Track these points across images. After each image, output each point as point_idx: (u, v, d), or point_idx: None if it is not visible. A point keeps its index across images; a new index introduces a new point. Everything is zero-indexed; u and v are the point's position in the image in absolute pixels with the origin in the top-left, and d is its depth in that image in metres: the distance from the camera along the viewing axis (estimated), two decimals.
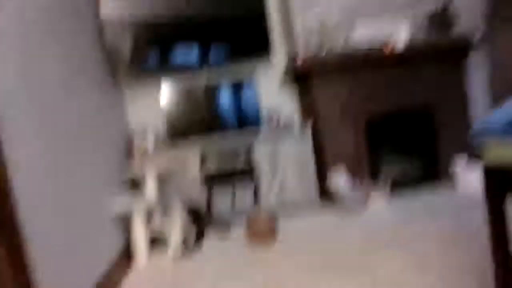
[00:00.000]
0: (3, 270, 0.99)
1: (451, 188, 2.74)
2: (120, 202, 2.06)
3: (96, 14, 2.48)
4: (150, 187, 2.26)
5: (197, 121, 2.78)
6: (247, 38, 2.85)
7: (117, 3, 2.55)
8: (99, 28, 2.50)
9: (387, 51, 2.68)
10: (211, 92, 2.81)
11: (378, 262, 1.67)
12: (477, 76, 3.11)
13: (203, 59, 2.81)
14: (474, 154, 2.68)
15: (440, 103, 2.85)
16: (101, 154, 2.01)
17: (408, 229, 2.04)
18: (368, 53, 2.68)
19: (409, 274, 1.52)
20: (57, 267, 1.28)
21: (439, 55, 2.78)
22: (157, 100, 2.87)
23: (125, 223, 2.17)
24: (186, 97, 2.76)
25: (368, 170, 2.81)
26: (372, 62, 2.70)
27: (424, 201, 2.54)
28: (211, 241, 2.37)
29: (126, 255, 2.08)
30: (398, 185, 2.82)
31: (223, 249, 2.18)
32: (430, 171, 2.92)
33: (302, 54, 2.67)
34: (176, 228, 2.19)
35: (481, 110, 3.07)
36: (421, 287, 1.40)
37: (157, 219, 2.29)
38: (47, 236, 1.24)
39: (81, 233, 1.54)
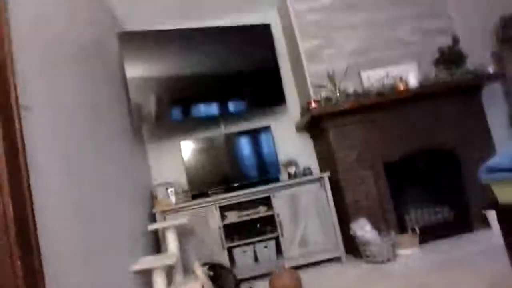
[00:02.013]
0: None
1: (484, 233, 2.56)
2: (141, 260, 2.08)
3: (123, 75, 2.74)
4: (171, 244, 2.27)
5: (217, 172, 2.85)
6: (262, 89, 3.02)
7: (141, 65, 2.79)
8: (125, 89, 2.74)
9: (398, 90, 2.71)
10: (230, 143, 2.91)
11: None
12: (497, 109, 3.06)
13: (222, 113, 2.96)
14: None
15: (461, 140, 2.78)
16: (127, 208, 2.08)
17: (440, 280, 1.89)
18: (381, 93, 2.68)
19: None
20: None
21: (452, 91, 2.78)
22: (179, 155, 3.01)
23: (148, 279, 2.17)
24: (207, 151, 2.87)
25: (394, 216, 2.70)
26: (385, 103, 2.70)
27: (457, 250, 2.38)
28: None
29: None
30: (428, 232, 2.66)
31: None
32: (461, 216, 2.76)
33: (314, 100, 2.72)
34: (198, 286, 2.15)
35: (506, 143, 2.96)
36: None
37: (178, 277, 2.27)
38: None
39: None
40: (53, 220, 1.26)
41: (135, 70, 2.76)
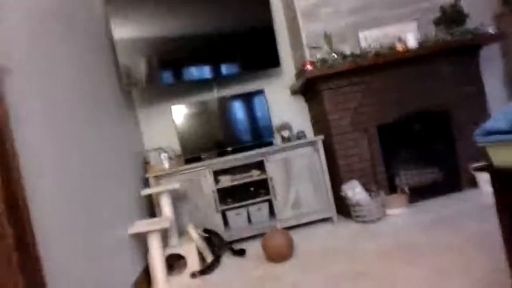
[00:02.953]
0: None
1: (473, 193, 2.62)
2: (137, 223, 2.11)
3: (110, 36, 2.61)
4: (166, 208, 2.29)
5: (210, 137, 2.82)
6: (256, 51, 2.91)
7: (129, 25, 2.65)
8: (114, 50, 2.62)
9: (397, 50, 2.63)
10: (223, 107, 2.86)
11: (399, 272, 1.61)
12: (493, 71, 3.02)
13: (215, 76, 2.87)
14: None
15: (456, 102, 2.76)
16: (119, 174, 2.07)
17: (428, 238, 1.96)
18: (379, 54, 2.61)
19: (431, 283, 1.45)
20: None
21: (450, 52, 2.71)
22: (170, 119, 2.95)
23: (144, 243, 2.21)
24: (199, 114, 2.82)
25: (385, 178, 2.74)
26: (382, 64, 2.64)
27: (445, 209, 2.44)
28: (228, 259, 2.36)
29: (147, 276, 2.12)
30: (417, 193, 2.72)
31: (241, 266, 2.16)
32: (451, 177, 2.81)
33: (310, 61, 2.63)
34: (192, 248, 2.20)
35: (500, 105, 2.96)
36: None
37: (173, 240, 2.32)
38: (66, 259, 1.29)
39: (101, 255, 1.58)
40: (43, 191, 1.24)
41: (122, 30, 2.62)
